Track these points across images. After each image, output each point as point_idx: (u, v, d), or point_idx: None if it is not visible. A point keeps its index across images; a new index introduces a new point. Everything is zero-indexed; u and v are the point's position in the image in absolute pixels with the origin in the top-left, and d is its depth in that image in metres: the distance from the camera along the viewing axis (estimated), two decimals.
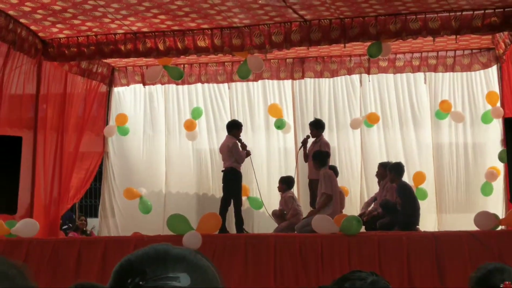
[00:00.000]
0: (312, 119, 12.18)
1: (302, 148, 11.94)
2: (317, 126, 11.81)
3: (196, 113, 13.38)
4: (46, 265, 9.19)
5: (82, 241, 9.80)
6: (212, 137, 13.50)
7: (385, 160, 12.08)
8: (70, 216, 14.49)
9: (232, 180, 11.32)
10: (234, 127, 11.59)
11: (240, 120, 12.69)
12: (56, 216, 11.74)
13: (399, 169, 11.02)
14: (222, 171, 11.49)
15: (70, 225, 14.00)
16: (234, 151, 11.31)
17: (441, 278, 8.62)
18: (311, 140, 11.86)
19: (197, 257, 1.59)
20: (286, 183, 12.00)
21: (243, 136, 11.72)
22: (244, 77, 11.79)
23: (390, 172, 11.02)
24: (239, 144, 11.45)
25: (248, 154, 11.53)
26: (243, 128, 11.94)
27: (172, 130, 13.79)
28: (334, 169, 11.38)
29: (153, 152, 13.81)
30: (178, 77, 12.38)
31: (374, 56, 10.91)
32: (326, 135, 11.96)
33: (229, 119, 12.45)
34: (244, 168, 11.72)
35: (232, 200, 11.28)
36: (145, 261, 1.55)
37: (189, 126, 13.35)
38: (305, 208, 11.81)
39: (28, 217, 10.35)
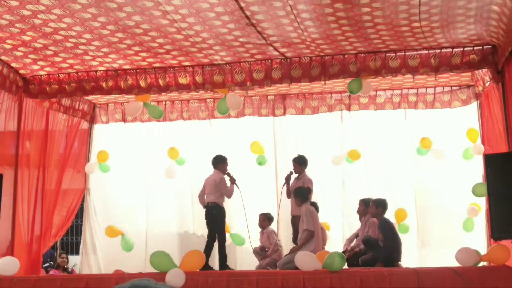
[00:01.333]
0: (293, 155, 12.17)
1: (285, 185, 11.92)
2: (300, 162, 11.81)
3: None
4: None
5: (63, 279, 9.69)
6: (193, 174, 13.45)
7: (366, 196, 12.06)
8: (51, 254, 14.36)
9: (216, 216, 11.27)
10: (220, 161, 11.57)
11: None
12: (37, 254, 11.63)
13: (385, 204, 11.02)
14: (205, 206, 11.43)
15: (51, 262, 13.87)
16: (222, 186, 11.29)
17: None
18: (294, 176, 11.86)
19: None
20: (267, 219, 11.99)
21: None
22: (223, 113, 11.80)
23: (376, 207, 10.98)
24: (229, 178, 11.41)
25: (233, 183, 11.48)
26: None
27: (152, 168, 13.75)
28: (315, 205, 11.36)
29: (134, 189, 13.76)
30: (158, 116, 12.43)
31: (354, 92, 10.95)
32: (307, 171, 11.95)
33: (211, 156, 12.44)
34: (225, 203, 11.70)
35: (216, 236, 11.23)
36: None
37: (173, 155, 13.38)
38: (285, 244, 11.78)
39: (9, 255, 10.25)
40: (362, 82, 10.63)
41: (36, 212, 11.54)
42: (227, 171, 11.55)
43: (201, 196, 11.64)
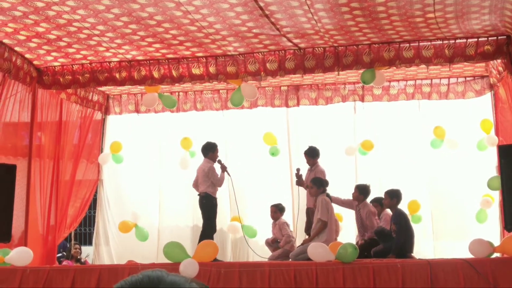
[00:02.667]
0: (306, 146, 12.14)
1: (298, 180, 11.86)
2: (312, 155, 11.78)
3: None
4: None
5: (76, 270, 9.71)
6: None
7: (378, 187, 12.00)
8: (64, 245, 14.41)
9: (206, 206, 11.22)
10: (209, 150, 11.44)
11: (234, 147, 12.68)
12: (53, 245, 11.71)
13: (398, 195, 10.97)
14: (198, 195, 11.42)
15: (65, 253, 13.93)
16: (211, 175, 11.17)
17: None
18: (305, 169, 11.81)
19: (191, 284, 1.56)
20: (279, 210, 11.97)
21: (238, 163, 11.63)
22: (237, 105, 11.78)
23: (391, 198, 10.94)
24: (220, 165, 11.32)
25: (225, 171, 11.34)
26: (238, 155, 11.90)
27: (165, 158, 13.78)
28: (329, 197, 11.35)
29: (147, 180, 13.78)
30: (171, 105, 12.42)
31: (367, 83, 10.93)
32: (320, 162, 11.92)
33: (224, 147, 12.40)
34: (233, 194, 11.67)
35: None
36: None
37: (187, 145, 13.37)
38: (298, 235, 11.78)
39: (23, 246, 10.29)
40: (376, 73, 10.60)
41: (51, 203, 11.60)
42: (218, 159, 11.44)
43: (194, 186, 11.58)
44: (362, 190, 11.39)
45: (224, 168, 11.33)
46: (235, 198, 11.98)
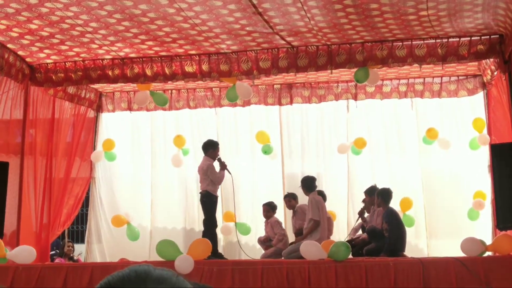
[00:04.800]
0: (299, 144, 12.15)
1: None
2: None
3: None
4: None
5: (69, 267, 9.71)
6: (198, 163, 13.34)
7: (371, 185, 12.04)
8: (57, 242, 14.39)
9: (206, 204, 11.18)
10: (209, 147, 11.32)
11: (227, 145, 12.68)
12: (46, 243, 11.68)
13: (385, 194, 10.98)
14: (200, 193, 11.39)
15: (57, 251, 13.90)
16: (210, 173, 11.07)
17: None
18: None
19: (179, 279, 1.55)
20: (272, 208, 11.95)
21: (230, 161, 11.61)
22: (232, 100, 11.77)
23: (377, 197, 10.99)
24: (219, 163, 11.29)
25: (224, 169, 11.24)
26: (231, 153, 11.87)
27: (158, 157, 13.76)
28: (322, 194, 11.36)
29: (140, 178, 13.77)
30: (163, 103, 12.43)
31: (361, 82, 10.93)
32: (313, 160, 11.93)
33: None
34: (230, 193, 11.65)
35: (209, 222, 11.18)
36: (125, 283, 1.52)
37: (179, 143, 13.35)
38: (290, 233, 11.78)
39: (15, 243, 10.29)
40: (369, 71, 10.60)
41: (44, 201, 11.57)
42: (218, 157, 11.37)
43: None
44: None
45: (223, 166, 11.25)
46: (233, 196, 11.92)
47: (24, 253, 9.78)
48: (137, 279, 1.52)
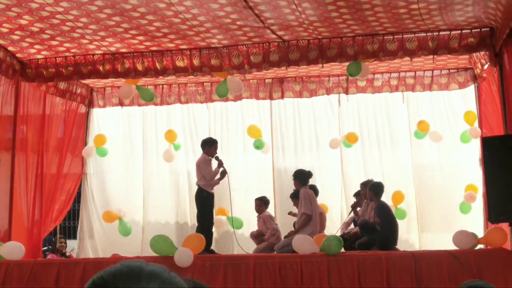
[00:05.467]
0: (291, 139, 12.14)
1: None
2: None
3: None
4: None
5: (61, 263, 9.70)
6: (190, 158, 13.38)
7: (364, 179, 12.04)
8: (49, 238, 14.36)
9: (197, 199, 11.18)
10: (205, 144, 11.33)
11: (219, 140, 12.65)
12: (38, 239, 11.65)
13: (377, 188, 11.01)
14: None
15: (50, 247, 13.88)
16: (202, 168, 11.08)
17: None
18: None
19: (171, 274, 1.56)
20: (264, 203, 11.95)
21: (221, 155, 11.58)
22: (222, 96, 11.71)
23: (369, 191, 11.02)
24: (217, 161, 11.26)
25: (223, 174, 11.20)
26: (222, 147, 11.83)
27: (149, 152, 13.74)
28: (314, 188, 11.35)
29: (131, 173, 13.75)
30: (149, 98, 12.41)
31: (353, 75, 10.92)
32: (305, 154, 11.94)
33: None
34: (223, 187, 11.65)
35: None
36: (118, 278, 1.52)
37: (171, 137, 13.33)
38: (282, 227, 11.78)
39: (7, 239, 10.27)
40: (361, 65, 10.60)
41: (36, 197, 11.54)
42: (216, 155, 11.30)
43: None
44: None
45: (220, 164, 11.21)
46: (229, 191, 11.89)
47: (13, 249, 9.75)
48: (130, 274, 1.52)
